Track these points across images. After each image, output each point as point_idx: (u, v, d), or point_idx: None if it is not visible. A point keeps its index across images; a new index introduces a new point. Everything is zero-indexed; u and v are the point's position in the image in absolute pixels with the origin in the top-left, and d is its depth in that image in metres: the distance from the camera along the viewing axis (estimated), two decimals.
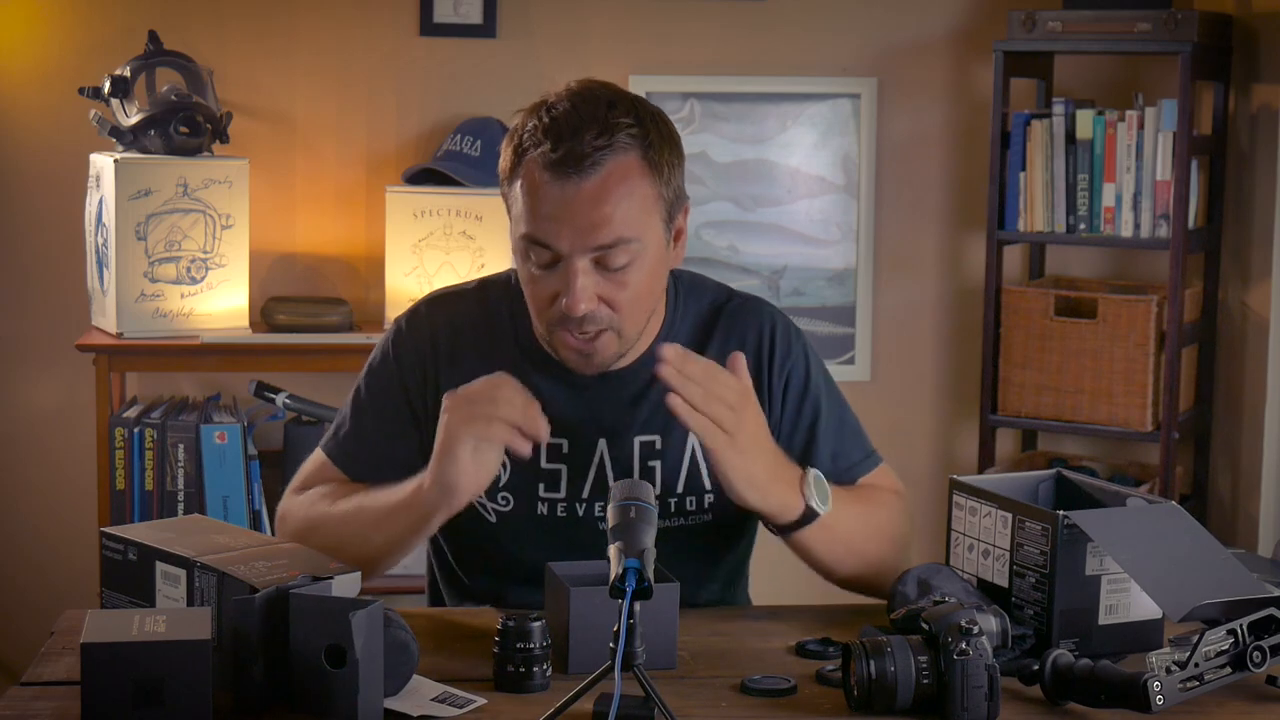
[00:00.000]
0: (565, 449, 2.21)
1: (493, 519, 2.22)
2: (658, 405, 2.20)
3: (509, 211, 2.14)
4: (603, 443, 2.21)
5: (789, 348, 2.28)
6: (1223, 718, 1.84)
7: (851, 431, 2.33)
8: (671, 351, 2.02)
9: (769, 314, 2.30)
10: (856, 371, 4.40)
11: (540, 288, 2.11)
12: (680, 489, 2.22)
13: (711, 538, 2.26)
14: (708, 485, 2.24)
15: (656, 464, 2.22)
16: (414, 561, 3.65)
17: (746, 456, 2.05)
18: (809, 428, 2.28)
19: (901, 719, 1.81)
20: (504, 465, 2.19)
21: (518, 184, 2.09)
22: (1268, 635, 1.88)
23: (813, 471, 2.12)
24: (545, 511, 2.21)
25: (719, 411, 2.02)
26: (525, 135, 2.09)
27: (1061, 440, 4.42)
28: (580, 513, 2.21)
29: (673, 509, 2.22)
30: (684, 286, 2.30)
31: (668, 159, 2.11)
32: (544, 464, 2.21)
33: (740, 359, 2.06)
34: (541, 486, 2.21)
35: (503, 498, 2.22)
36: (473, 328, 2.25)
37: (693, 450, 2.23)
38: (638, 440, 2.22)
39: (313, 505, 2.20)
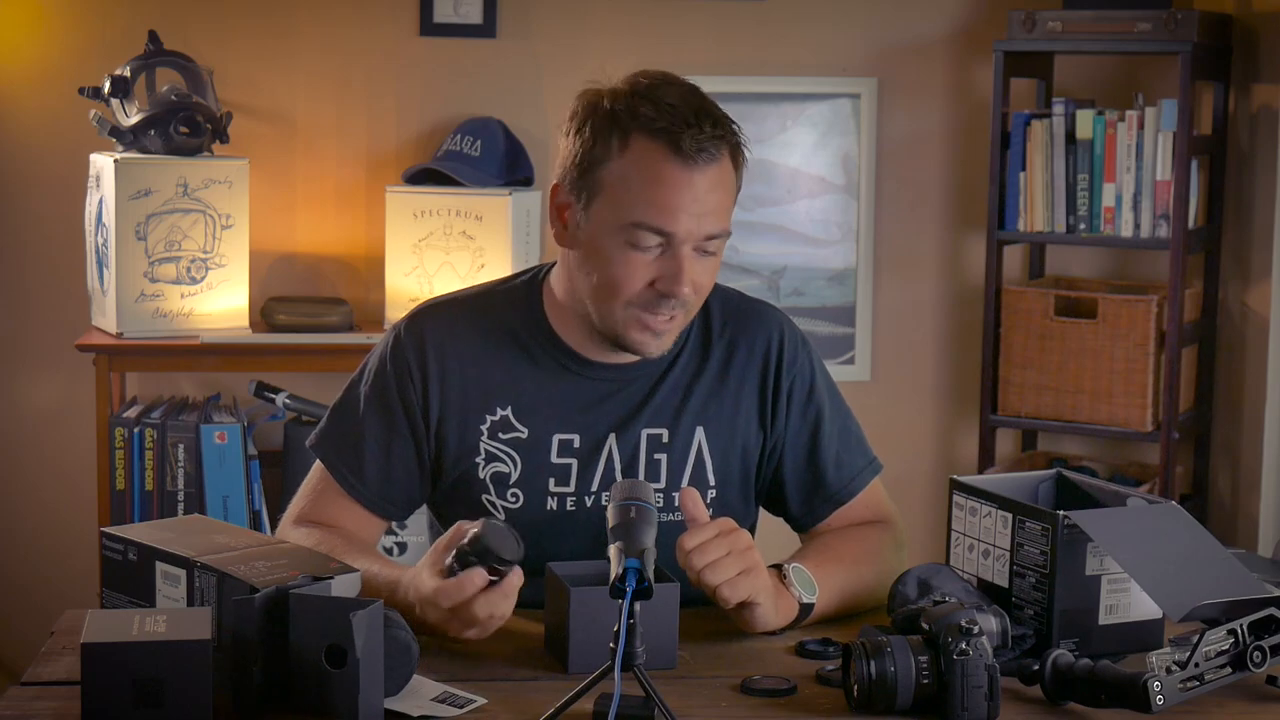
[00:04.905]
0: (577, 443, 2.22)
1: (501, 516, 2.23)
2: (666, 398, 2.24)
3: (592, 193, 2.12)
4: (612, 436, 2.23)
5: (795, 355, 2.31)
6: (1223, 718, 1.84)
7: (855, 439, 2.35)
8: (690, 500, 2.03)
9: (777, 320, 2.33)
10: (856, 371, 4.40)
11: (639, 270, 2.10)
12: (685, 483, 2.24)
13: None
14: (711, 481, 2.26)
15: (662, 457, 2.24)
16: (414, 560, 3.65)
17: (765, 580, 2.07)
18: (812, 434, 2.30)
19: (901, 719, 1.81)
20: (514, 461, 2.21)
21: (628, 168, 2.08)
22: (1268, 635, 1.88)
23: (789, 567, 2.13)
24: (555, 506, 2.22)
25: (750, 561, 2.02)
26: (639, 120, 2.08)
27: (1061, 440, 4.42)
28: (589, 504, 2.23)
29: (676, 503, 2.22)
30: None
31: (745, 155, 2.17)
32: (554, 459, 2.22)
33: (694, 495, 2.04)
34: (552, 481, 2.22)
35: (512, 494, 2.23)
36: (468, 337, 2.24)
37: (698, 446, 2.25)
38: (645, 433, 2.23)
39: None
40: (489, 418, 2.22)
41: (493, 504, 2.22)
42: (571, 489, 2.22)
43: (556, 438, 2.22)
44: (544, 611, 2.03)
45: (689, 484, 2.24)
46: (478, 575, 1.90)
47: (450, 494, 2.26)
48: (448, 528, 2.28)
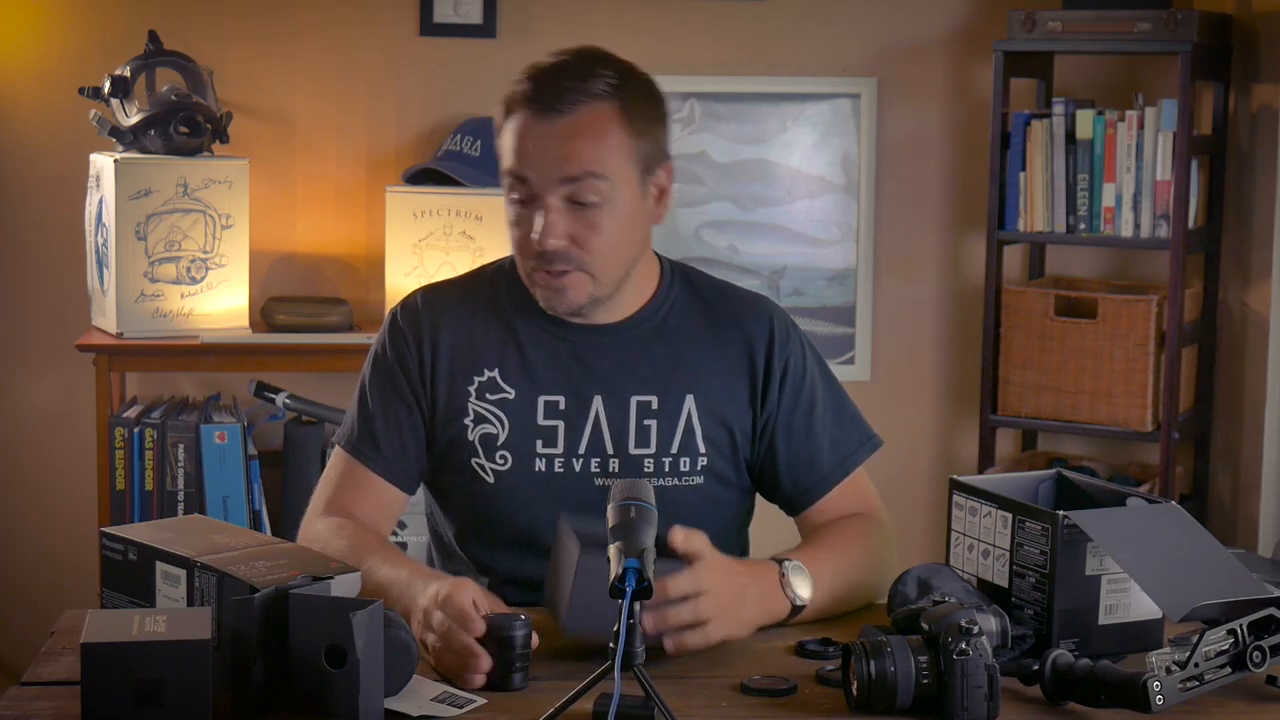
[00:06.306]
0: (562, 405, 2.27)
1: (491, 479, 2.27)
2: (655, 366, 2.29)
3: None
4: (598, 399, 2.27)
5: (786, 341, 2.34)
6: (1223, 718, 1.84)
7: (850, 418, 2.38)
8: (682, 538, 2.02)
9: (767, 309, 2.37)
10: (856, 371, 4.40)
11: (521, 228, 2.22)
12: (675, 449, 2.28)
13: (702, 500, 2.31)
14: (701, 449, 2.29)
15: (652, 424, 2.28)
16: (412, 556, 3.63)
17: (744, 615, 2.05)
18: (806, 416, 2.34)
19: (901, 719, 1.81)
20: (502, 423, 2.26)
21: (504, 128, 2.22)
22: (1268, 635, 1.88)
23: (788, 565, 2.13)
24: (543, 468, 2.26)
25: (711, 608, 2.00)
26: (514, 82, 2.22)
27: (1061, 440, 4.42)
28: (577, 469, 2.26)
29: (666, 469, 2.27)
30: (678, 267, 2.40)
31: (645, 112, 2.23)
32: (541, 420, 2.27)
33: (676, 534, 2.02)
34: (539, 443, 2.27)
35: (501, 456, 2.27)
36: (457, 312, 2.32)
37: (688, 413, 2.29)
38: (635, 400, 2.28)
39: (326, 545, 2.19)
40: (476, 379, 2.28)
41: (482, 467, 2.27)
42: (559, 450, 2.26)
43: (542, 399, 2.27)
44: (548, 565, 2.02)
45: (679, 449, 2.28)
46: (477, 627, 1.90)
47: (442, 460, 2.30)
48: (443, 504, 2.36)
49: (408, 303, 2.36)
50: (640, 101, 2.22)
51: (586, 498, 2.21)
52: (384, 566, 2.09)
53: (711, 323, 2.33)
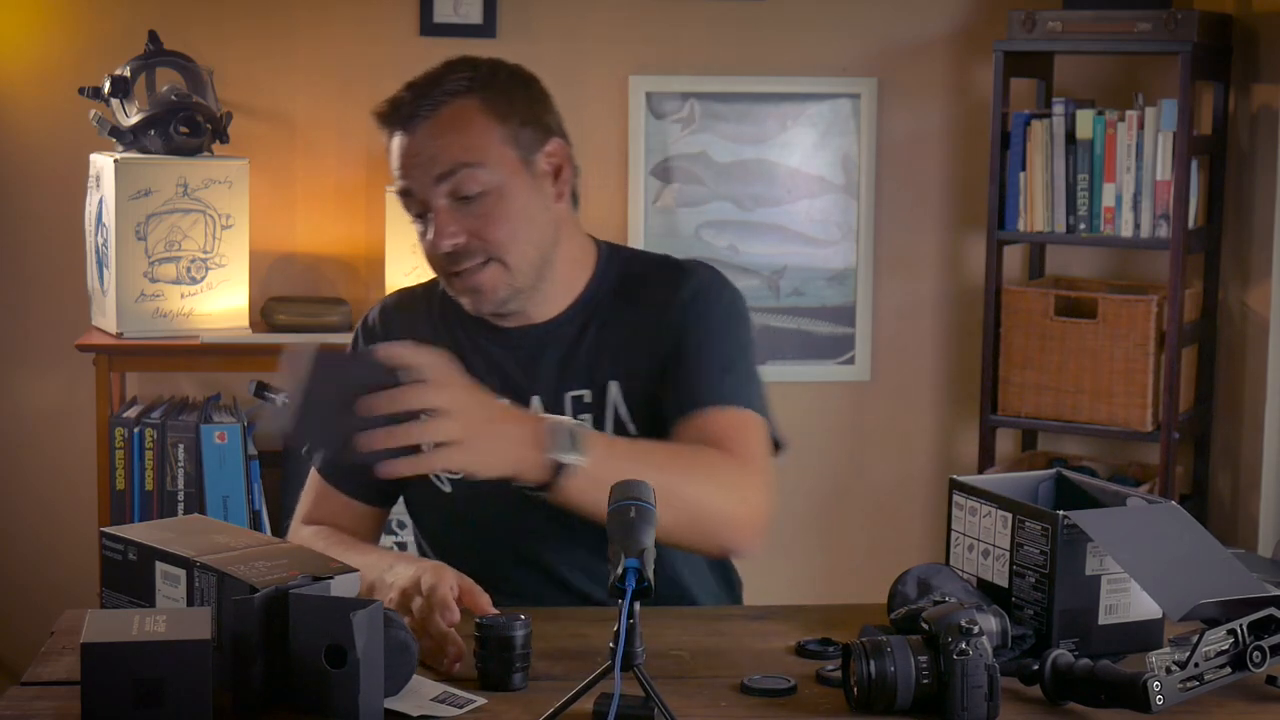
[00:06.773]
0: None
1: (447, 488, 2.28)
2: (586, 358, 2.27)
3: None
4: (536, 400, 2.26)
5: (698, 292, 2.26)
6: (1223, 718, 1.84)
7: (740, 374, 2.23)
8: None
9: (688, 271, 2.30)
10: (856, 371, 4.40)
11: (426, 242, 2.24)
12: None
13: None
14: (633, 432, 2.24)
15: (587, 417, 2.25)
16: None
17: (492, 451, 1.96)
18: (695, 352, 2.23)
19: (901, 719, 1.81)
20: None
21: (388, 153, 2.26)
22: (1268, 635, 1.88)
23: (552, 420, 2.02)
24: None
25: (456, 431, 1.94)
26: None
27: (1061, 440, 4.42)
28: None
29: None
30: (619, 252, 2.36)
31: (509, 94, 2.24)
32: None
33: (385, 349, 1.99)
34: None
35: None
36: (410, 328, 2.33)
37: (614, 402, 2.26)
38: (569, 395, 2.27)
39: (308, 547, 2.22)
40: None
41: (438, 478, 2.27)
42: None
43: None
44: (282, 377, 1.98)
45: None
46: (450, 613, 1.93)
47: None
48: (412, 515, 2.39)
49: (367, 322, 2.40)
50: (501, 86, 2.23)
51: (540, 498, 2.13)
52: (359, 555, 2.12)
53: (637, 301, 2.28)
